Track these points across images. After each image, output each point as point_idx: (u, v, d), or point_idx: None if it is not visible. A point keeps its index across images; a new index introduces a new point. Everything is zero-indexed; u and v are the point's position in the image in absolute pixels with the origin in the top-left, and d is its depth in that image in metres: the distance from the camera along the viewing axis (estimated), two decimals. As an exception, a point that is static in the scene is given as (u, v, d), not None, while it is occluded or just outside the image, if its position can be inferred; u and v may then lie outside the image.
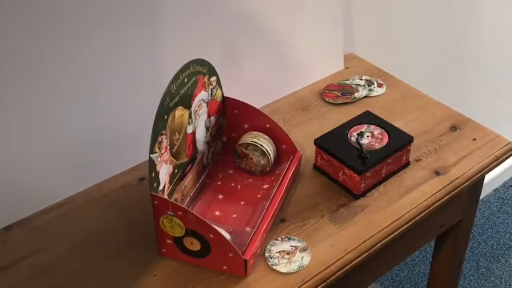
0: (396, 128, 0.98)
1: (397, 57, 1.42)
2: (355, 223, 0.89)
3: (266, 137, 0.95)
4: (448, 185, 0.94)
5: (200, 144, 0.92)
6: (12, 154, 0.88)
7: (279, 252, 0.84)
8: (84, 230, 0.89)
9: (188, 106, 0.85)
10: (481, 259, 1.88)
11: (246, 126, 0.96)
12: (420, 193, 0.93)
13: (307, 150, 0.98)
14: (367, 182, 0.92)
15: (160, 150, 0.78)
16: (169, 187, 0.83)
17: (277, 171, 0.96)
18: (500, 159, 1.00)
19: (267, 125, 0.95)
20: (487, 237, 1.95)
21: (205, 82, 0.88)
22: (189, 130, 0.87)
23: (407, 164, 0.98)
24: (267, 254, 0.83)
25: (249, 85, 1.09)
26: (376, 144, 0.94)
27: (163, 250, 0.83)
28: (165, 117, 0.79)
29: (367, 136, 0.96)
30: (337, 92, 1.17)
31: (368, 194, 0.93)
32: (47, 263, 0.84)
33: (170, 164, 0.83)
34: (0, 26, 0.79)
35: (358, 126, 0.98)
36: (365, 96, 1.16)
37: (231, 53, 1.07)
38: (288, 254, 0.83)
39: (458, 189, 0.95)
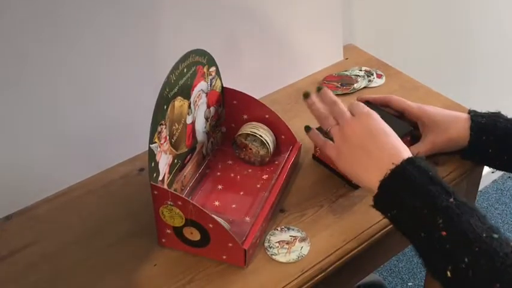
0: (395, 118, 0.98)
1: (397, 48, 1.41)
2: (354, 213, 0.89)
3: (265, 127, 0.95)
4: (447, 175, 0.94)
5: (199, 135, 0.92)
6: (12, 144, 0.88)
7: (278, 242, 0.84)
8: (84, 219, 0.89)
9: (187, 96, 0.85)
10: (479, 250, 1.88)
11: (245, 116, 0.96)
12: (419, 183, 0.93)
13: (307, 140, 0.98)
14: (366, 173, 0.92)
15: (160, 141, 0.79)
16: (168, 177, 0.83)
17: (276, 162, 0.96)
18: (499, 150, 1.01)
19: (266, 116, 0.95)
20: (485, 228, 1.96)
21: (204, 72, 0.88)
22: (189, 120, 0.87)
23: (406, 154, 0.98)
24: (266, 244, 0.84)
25: (249, 76, 1.09)
26: None
27: (163, 240, 0.83)
28: (165, 107, 0.79)
29: None
30: (336, 83, 1.17)
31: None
32: (47, 253, 0.84)
33: (170, 154, 0.83)
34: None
35: None
36: (364, 87, 1.16)
37: (230, 44, 1.07)
38: (287, 243, 0.84)
39: (457, 179, 0.95)
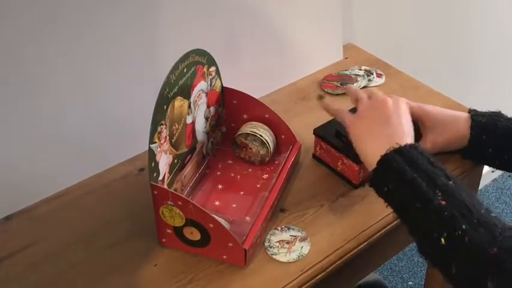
0: (395, 118, 0.97)
1: (397, 47, 1.41)
2: (354, 212, 0.89)
3: (265, 127, 0.95)
4: (447, 174, 0.94)
5: (200, 135, 0.92)
6: (12, 145, 0.88)
7: (278, 241, 0.84)
8: (84, 220, 0.89)
9: (187, 96, 0.85)
10: (480, 249, 1.88)
11: (245, 116, 0.96)
12: (419, 183, 0.93)
13: (307, 140, 0.98)
14: (365, 172, 0.92)
15: (160, 141, 0.79)
16: (169, 177, 0.83)
17: (276, 161, 0.96)
18: (499, 149, 1.00)
19: (266, 115, 0.95)
20: (485, 227, 1.96)
21: (204, 72, 0.88)
22: (189, 120, 0.87)
23: (406, 153, 0.98)
24: (266, 244, 0.84)
25: (248, 75, 1.09)
26: None
27: (164, 240, 0.83)
28: (165, 107, 0.79)
29: None
30: (336, 82, 1.17)
31: (367, 183, 0.93)
32: (48, 253, 0.84)
33: (170, 154, 0.83)
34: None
35: None
36: (364, 87, 1.16)
37: (230, 43, 1.07)
38: (287, 243, 0.84)
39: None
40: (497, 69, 1.84)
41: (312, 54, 1.20)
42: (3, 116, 0.86)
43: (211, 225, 0.78)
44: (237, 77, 0.99)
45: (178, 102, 0.82)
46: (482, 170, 1.07)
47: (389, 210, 0.89)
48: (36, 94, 0.87)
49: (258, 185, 0.92)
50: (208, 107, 0.92)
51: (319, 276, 0.81)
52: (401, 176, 0.73)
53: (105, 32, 0.90)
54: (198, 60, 0.85)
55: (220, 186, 0.92)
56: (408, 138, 0.79)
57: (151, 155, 0.77)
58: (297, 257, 0.82)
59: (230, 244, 0.78)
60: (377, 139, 0.79)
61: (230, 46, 1.07)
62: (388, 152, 0.75)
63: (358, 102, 0.88)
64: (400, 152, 0.75)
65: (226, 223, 0.81)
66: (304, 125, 1.02)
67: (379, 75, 1.19)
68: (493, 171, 2.15)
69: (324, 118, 0.99)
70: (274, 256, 0.82)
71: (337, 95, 1.14)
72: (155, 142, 0.77)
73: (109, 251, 0.84)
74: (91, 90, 0.93)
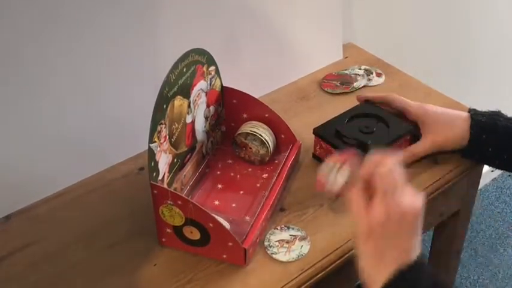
0: (396, 117, 0.98)
1: (396, 47, 1.41)
2: (354, 212, 0.89)
3: (265, 126, 0.95)
4: (447, 174, 0.94)
5: (199, 134, 0.92)
6: (12, 144, 0.88)
7: (278, 241, 0.84)
8: (84, 219, 0.89)
9: (187, 96, 0.85)
10: (480, 248, 1.88)
11: (245, 116, 0.96)
12: (419, 182, 0.93)
13: (306, 139, 0.98)
14: (366, 171, 0.92)
15: (160, 140, 0.79)
16: (168, 176, 0.83)
17: (276, 161, 0.96)
18: (499, 149, 1.00)
19: (266, 115, 0.95)
20: (485, 227, 1.96)
21: (204, 72, 0.88)
22: (188, 120, 0.87)
23: (406, 153, 0.98)
24: (266, 243, 0.84)
25: (248, 75, 1.09)
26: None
27: (163, 239, 0.83)
28: (164, 106, 0.79)
29: None
30: (336, 82, 1.17)
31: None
32: (47, 253, 0.84)
33: (169, 153, 0.83)
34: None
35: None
36: (364, 86, 1.16)
37: (230, 43, 1.07)
38: (287, 242, 0.84)
39: (457, 178, 0.95)
40: (497, 69, 1.83)
41: (312, 54, 1.21)
42: (3, 116, 0.86)
43: (211, 224, 0.78)
44: (237, 76, 0.99)
45: (178, 102, 0.82)
46: (482, 170, 1.07)
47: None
48: (36, 94, 0.87)
49: (258, 185, 0.92)
50: (208, 106, 0.92)
51: (319, 275, 0.81)
52: None
53: (105, 32, 0.90)
54: (197, 60, 0.85)
55: (220, 186, 0.92)
56: (417, 249, 0.66)
57: (151, 154, 0.77)
58: (296, 256, 0.82)
59: (230, 243, 0.78)
60: (383, 258, 0.65)
61: (230, 46, 1.07)
62: (391, 279, 0.64)
63: (386, 191, 0.66)
64: (404, 278, 0.64)
65: (226, 222, 0.81)
66: (304, 125, 1.02)
67: (378, 75, 1.19)
68: (492, 171, 2.15)
69: (324, 118, 0.99)
70: (274, 255, 0.82)
71: (337, 94, 1.14)
72: (155, 141, 0.78)
73: (109, 251, 0.84)
74: (91, 90, 0.93)
